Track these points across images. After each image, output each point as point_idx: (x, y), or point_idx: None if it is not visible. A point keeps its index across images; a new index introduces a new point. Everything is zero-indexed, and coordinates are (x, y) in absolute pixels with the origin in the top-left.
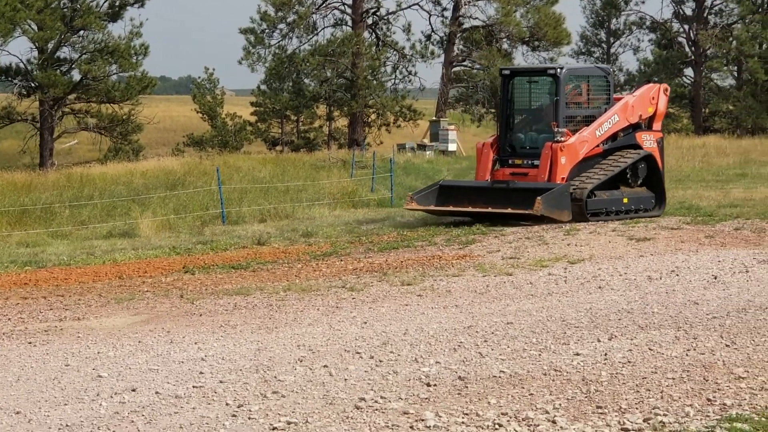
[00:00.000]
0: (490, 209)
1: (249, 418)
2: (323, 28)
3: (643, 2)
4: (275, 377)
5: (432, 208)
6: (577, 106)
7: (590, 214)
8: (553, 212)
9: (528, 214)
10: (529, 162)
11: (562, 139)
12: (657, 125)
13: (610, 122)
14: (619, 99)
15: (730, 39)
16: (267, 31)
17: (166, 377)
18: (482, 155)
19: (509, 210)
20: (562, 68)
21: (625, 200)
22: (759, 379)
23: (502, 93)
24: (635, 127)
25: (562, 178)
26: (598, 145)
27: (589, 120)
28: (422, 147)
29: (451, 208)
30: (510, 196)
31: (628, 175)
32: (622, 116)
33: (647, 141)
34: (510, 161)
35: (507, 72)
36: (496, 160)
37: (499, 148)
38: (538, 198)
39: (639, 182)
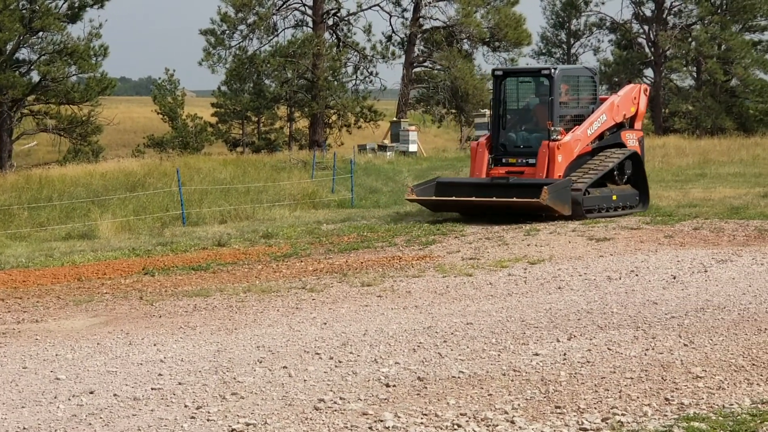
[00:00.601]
0: (494, 199)
1: (208, 420)
2: (284, 29)
3: (603, 3)
4: (234, 378)
5: (434, 198)
6: (565, 106)
7: (585, 211)
8: (556, 204)
9: (534, 202)
10: (523, 161)
11: (559, 137)
12: (638, 124)
13: (599, 121)
14: (604, 99)
15: (689, 40)
16: (227, 32)
17: (125, 379)
18: (477, 154)
19: (514, 199)
20: (556, 68)
21: (614, 197)
22: (716, 378)
23: (494, 93)
24: (619, 126)
25: (559, 176)
26: (588, 144)
27: (578, 119)
28: (383, 148)
29: (454, 198)
30: (509, 191)
31: (615, 173)
32: (609, 116)
33: (631, 140)
34: (503, 160)
35: (500, 73)
36: (490, 159)
37: (492, 148)
38: (545, 187)
39: (624, 180)
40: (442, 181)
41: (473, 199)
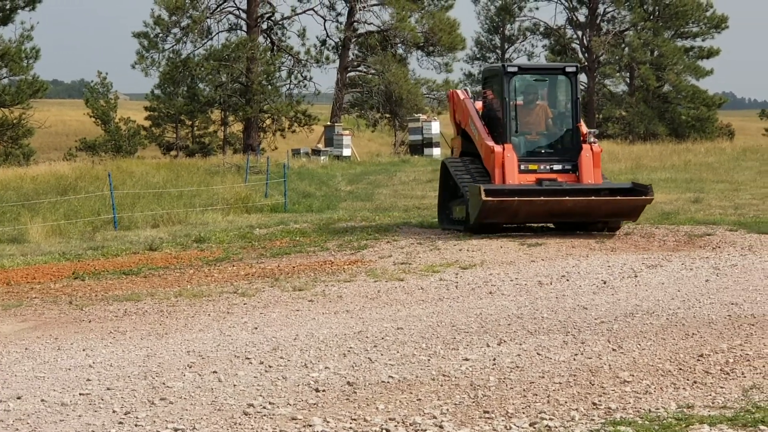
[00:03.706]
0: (593, 198)
1: (136, 425)
2: (218, 33)
3: (537, 8)
4: (164, 383)
5: (524, 199)
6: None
7: None
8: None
9: (647, 200)
10: (547, 167)
11: (595, 140)
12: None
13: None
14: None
15: (623, 46)
16: (161, 35)
17: (53, 384)
18: (506, 159)
19: (618, 198)
20: (578, 66)
21: None
22: (644, 382)
23: (506, 93)
24: None
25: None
26: None
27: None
28: (317, 152)
29: (543, 199)
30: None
31: None
32: None
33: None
34: (522, 166)
35: (514, 69)
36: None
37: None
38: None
39: None
40: (489, 188)
41: (567, 199)
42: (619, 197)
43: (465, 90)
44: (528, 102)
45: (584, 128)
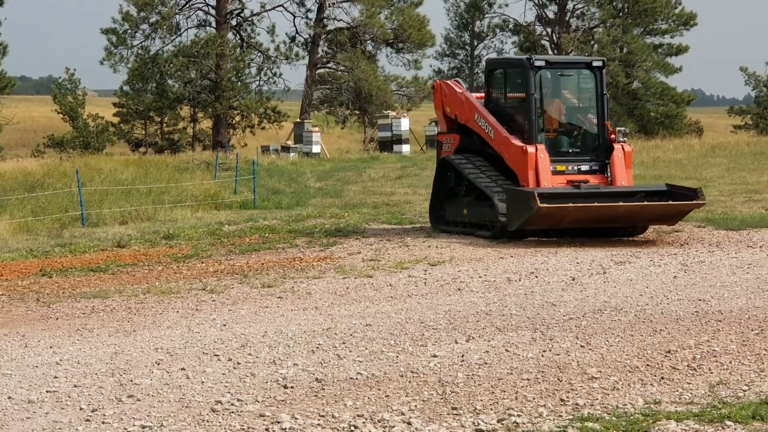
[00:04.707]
0: (654, 202)
1: (103, 423)
2: (186, 29)
3: (507, 5)
4: (131, 381)
5: (579, 205)
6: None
7: None
8: None
9: (698, 204)
10: (575, 167)
11: (624, 139)
12: None
13: None
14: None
15: (592, 42)
16: (129, 31)
17: (20, 382)
18: (540, 161)
19: (683, 203)
20: (604, 60)
21: None
22: (611, 379)
23: (532, 88)
24: None
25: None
26: None
27: None
28: (286, 149)
29: (596, 204)
30: (617, 200)
31: None
32: None
33: None
34: (551, 167)
35: (541, 63)
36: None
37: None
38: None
39: None
40: (543, 193)
41: (620, 204)
42: (671, 202)
43: (457, 81)
44: (549, 97)
45: (610, 126)
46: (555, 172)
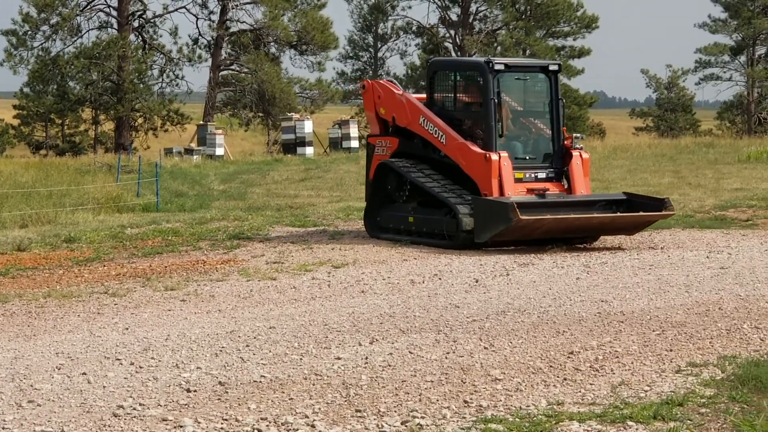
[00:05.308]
0: (636, 214)
1: (3, 428)
2: (88, 31)
3: (410, 7)
4: (32, 386)
5: (558, 216)
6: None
7: None
8: None
9: (665, 215)
10: (532, 175)
11: (581, 146)
12: None
13: None
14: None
15: (495, 45)
16: (29, 32)
17: None
18: (503, 169)
19: (651, 213)
20: (560, 64)
21: None
22: (515, 380)
23: (491, 93)
24: None
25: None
26: None
27: None
28: (189, 151)
29: (573, 216)
30: (590, 209)
31: None
32: None
33: None
34: None
35: (501, 66)
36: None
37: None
38: (667, 199)
39: None
40: (522, 203)
41: (594, 216)
42: (642, 213)
43: (392, 81)
44: (502, 102)
45: (570, 134)
46: (515, 180)
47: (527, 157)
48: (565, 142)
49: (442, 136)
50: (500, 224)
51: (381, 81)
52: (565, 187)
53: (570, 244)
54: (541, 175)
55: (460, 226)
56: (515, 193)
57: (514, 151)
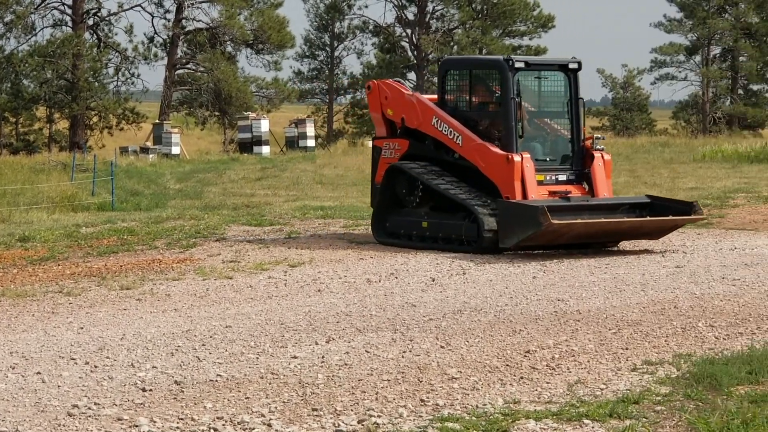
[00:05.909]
0: (661, 218)
1: None
2: (42, 29)
3: (367, 7)
4: None
5: (589, 221)
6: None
7: None
8: None
9: (696, 219)
10: (553, 177)
11: (602, 147)
12: None
13: None
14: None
15: (452, 44)
16: None
17: None
18: (525, 170)
19: (676, 217)
20: (580, 62)
21: None
22: (471, 379)
23: (511, 92)
24: None
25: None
26: None
27: None
28: (145, 150)
29: (604, 220)
30: (615, 213)
31: None
32: None
33: None
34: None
35: (521, 65)
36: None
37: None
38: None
39: None
40: (554, 207)
41: (624, 220)
42: (672, 217)
43: (399, 81)
44: (523, 101)
45: (592, 136)
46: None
47: (547, 159)
48: (585, 143)
49: (457, 137)
50: (529, 229)
51: (388, 81)
52: (586, 189)
53: (594, 248)
54: (562, 177)
55: (483, 231)
56: (538, 196)
57: (534, 153)
